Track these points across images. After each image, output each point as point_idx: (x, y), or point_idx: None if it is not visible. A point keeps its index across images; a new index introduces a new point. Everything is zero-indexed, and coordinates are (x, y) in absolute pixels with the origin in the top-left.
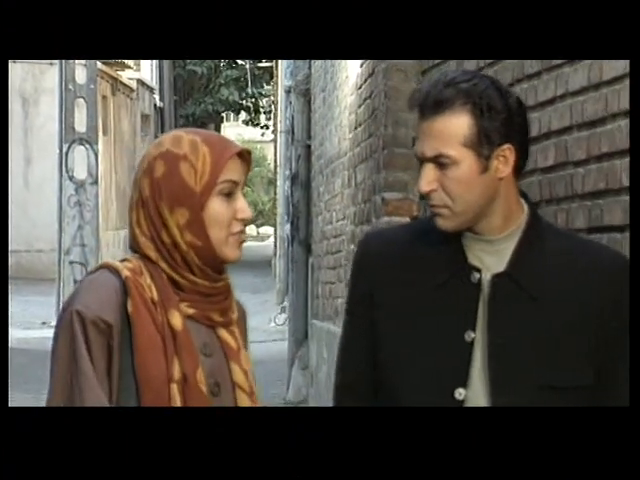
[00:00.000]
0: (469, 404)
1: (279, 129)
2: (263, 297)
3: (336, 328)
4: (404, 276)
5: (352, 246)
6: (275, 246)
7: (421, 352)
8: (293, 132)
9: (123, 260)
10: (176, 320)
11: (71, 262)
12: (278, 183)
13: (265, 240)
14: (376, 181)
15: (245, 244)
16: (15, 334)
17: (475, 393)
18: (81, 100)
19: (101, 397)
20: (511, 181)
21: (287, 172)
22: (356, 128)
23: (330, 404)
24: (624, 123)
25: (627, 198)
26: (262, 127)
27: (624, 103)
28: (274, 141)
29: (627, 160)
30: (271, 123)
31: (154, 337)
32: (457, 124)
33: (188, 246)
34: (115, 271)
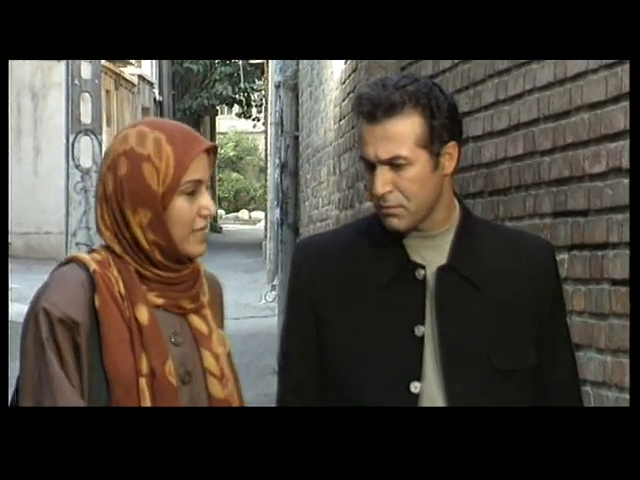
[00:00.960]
0: (424, 396)
1: (269, 121)
2: (255, 276)
3: None
4: (347, 280)
5: None
6: (266, 229)
7: (373, 351)
8: (282, 124)
9: (92, 251)
10: (142, 315)
11: (77, 243)
12: (268, 171)
13: (256, 224)
14: (359, 169)
15: (238, 227)
16: (24, 309)
17: (429, 385)
18: (86, 94)
19: (72, 399)
20: (450, 178)
21: (277, 161)
22: (340, 120)
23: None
24: (587, 116)
25: (590, 184)
26: (254, 119)
27: (587, 97)
28: (265, 132)
29: (590, 149)
30: (262, 116)
31: (122, 332)
32: (410, 125)
33: (151, 244)
34: (83, 265)
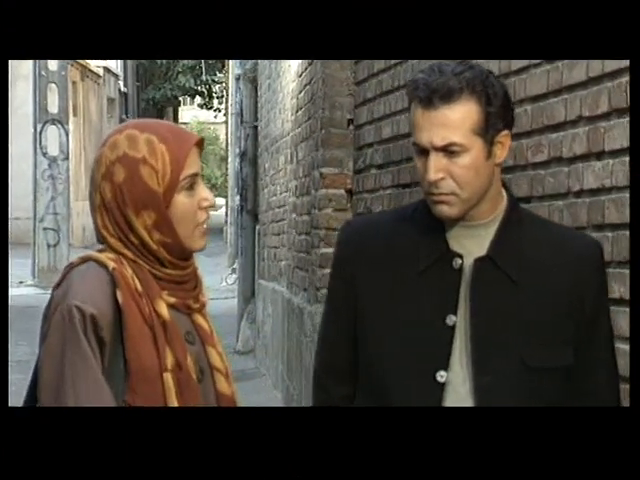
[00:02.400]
0: (450, 386)
1: (230, 112)
2: (216, 260)
3: (280, 287)
4: (387, 263)
5: (294, 215)
6: (226, 215)
7: (403, 336)
8: (242, 115)
9: (101, 251)
10: (163, 309)
11: (45, 228)
12: (229, 160)
13: (218, 210)
14: (315, 158)
15: None
16: None
17: (456, 375)
18: (53, 85)
19: (107, 398)
20: (499, 168)
21: (237, 150)
22: (297, 111)
23: (274, 356)
24: (529, 108)
25: (532, 172)
26: (215, 110)
27: (530, 90)
28: (225, 123)
29: (533, 139)
30: (223, 107)
31: (144, 327)
32: (467, 112)
33: (158, 244)
34: (102, 263)
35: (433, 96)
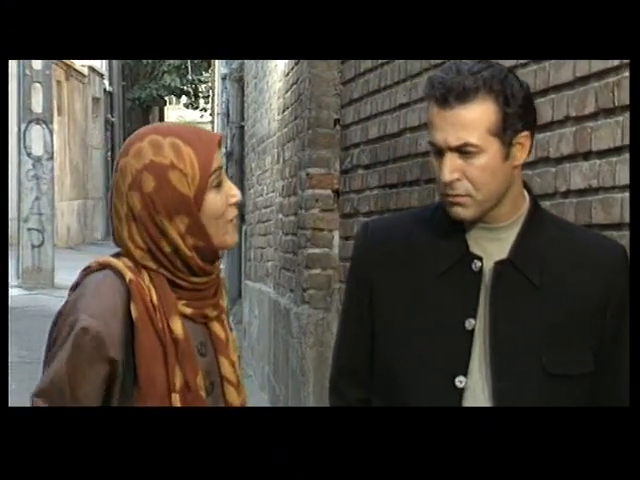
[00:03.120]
0: (469, 392)
1: (216, 112)
2: None
3: (267, 288)
4: (405, 265)
5: (280, 215)
6: None
7: (421, 340)
8: (228, 114)
9: (117, 255)
10: (177, 327)
11: (29, 229)
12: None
13: None
14: (301, 158)
15: None
16: None
17: (475, 381)
18: (37, 84)
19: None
20: (520, 169)
21: (223, 150)
22: (284, 111)
23: (261, 357)
24: None
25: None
26: (201, 110)
27: None
28: (212, 122)
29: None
30: (209, 106)
31: (155, 344)
32: (483, 112)
33: (191, 250)
34: (119, 273)
35: (449, 95)
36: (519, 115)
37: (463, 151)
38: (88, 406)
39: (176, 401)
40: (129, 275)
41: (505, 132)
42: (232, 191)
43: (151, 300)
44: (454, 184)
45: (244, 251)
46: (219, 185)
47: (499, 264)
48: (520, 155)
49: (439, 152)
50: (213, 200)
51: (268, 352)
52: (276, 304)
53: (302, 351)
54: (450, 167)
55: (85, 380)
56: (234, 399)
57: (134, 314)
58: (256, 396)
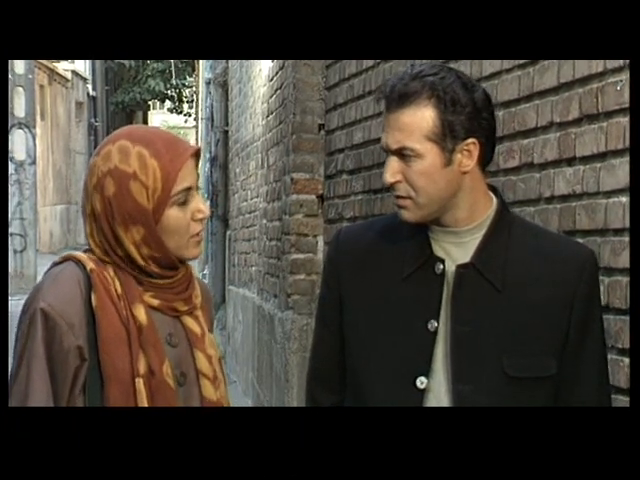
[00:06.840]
0: (432, 394)
1: (200, 116)
2: None
3: (250, 294)
4: (373, 269)
5: (264, 221)
6: None
7: (385, 341)
8: (212, 119)
9: (87, 250)
10: (141, 314)
11: (11, 234)
12: (199, 165)
13: None
14: (286, 163)
15: None
16: None
17: (439, 383)
18: (20, 89)
19: (41, 400)
20: (477, 174)
21: (207, 155)
22: (268, 116)
23: (245, 362)
24: (501, 113)
25: (503, 178)
26: (185, 114)
27: (501, 96)
28: (196, 127)
29: (504, 145)
30: (193, 111)
31: (119, 331)
32: (421, 117)
33: (146, 259)
34: (80, 263)
35: (391, 98)
36: (461, 122)
37: (403, 154)
38: (54, 388)
39: (140, 385)
40: (90, 265)
41: (445, 139)
42: (200, 206)
43: (115, 290)
44: (396, 186)
45: (228, 256)
46: (185, 202)
47: (461, 267)
48: (467, 162)
49: (386, 154)
50: (175, 215)
51: (252, 358)
52: (260, 309)
53: (286, 356)
54: (391, 170)
55: (42, 360)
56: (211, 394)
57: (94, 302)
58: (240, 401)
